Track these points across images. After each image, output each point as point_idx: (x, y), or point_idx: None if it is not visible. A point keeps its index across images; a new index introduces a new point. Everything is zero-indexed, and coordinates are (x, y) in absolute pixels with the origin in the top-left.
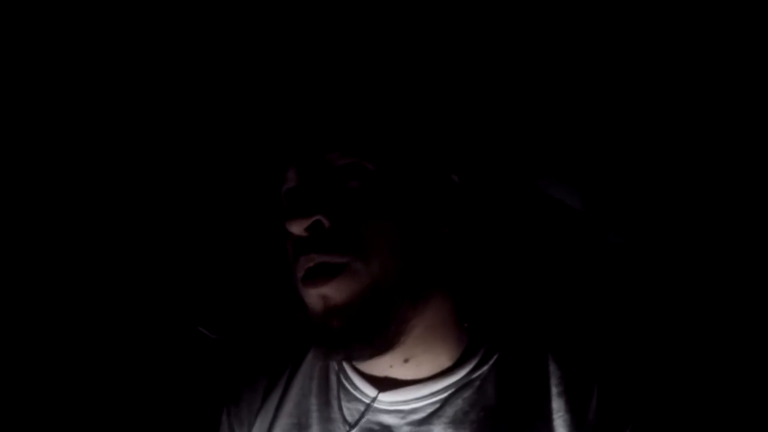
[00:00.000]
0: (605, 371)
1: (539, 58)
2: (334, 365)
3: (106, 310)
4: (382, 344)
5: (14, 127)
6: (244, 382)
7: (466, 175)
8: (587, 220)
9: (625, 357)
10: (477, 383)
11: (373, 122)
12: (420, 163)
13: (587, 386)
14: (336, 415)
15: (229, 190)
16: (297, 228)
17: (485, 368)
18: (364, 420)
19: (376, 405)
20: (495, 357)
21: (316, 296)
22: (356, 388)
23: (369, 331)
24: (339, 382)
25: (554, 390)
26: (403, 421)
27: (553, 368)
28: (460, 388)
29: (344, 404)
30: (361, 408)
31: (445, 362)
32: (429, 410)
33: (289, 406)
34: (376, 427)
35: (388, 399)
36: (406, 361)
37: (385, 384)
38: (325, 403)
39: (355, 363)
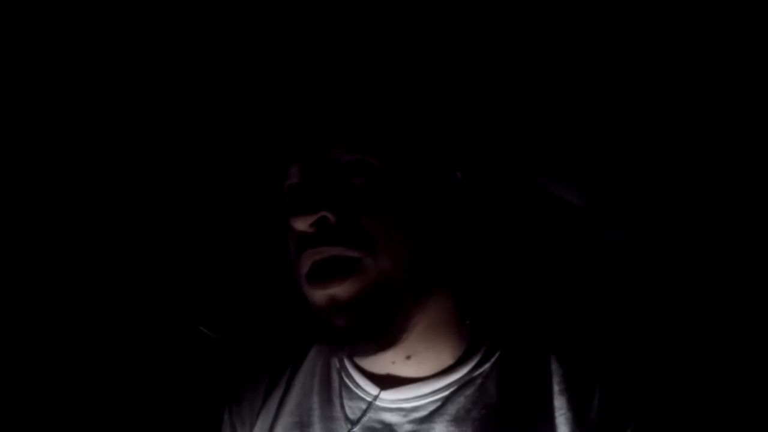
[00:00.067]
0: (607, 369)
1: (540, 56)
2: (335, 363)
3: (107, 311)
4: (386, 341)
5: (14, 127)
6: (246, 381)
7: (469, 172)
8: (588, 218)
9: (627, 355)
10: (479, 381)
11: (377, 118)
12: (424, 160)
13: (589, 384)
14: (338, 413)
15: (229, 190)
16: (302, 224)
17: (487, 366)
18: (366, 418)
19: (377, 403)
20: (497, 355)
21: (322, 294)
22: (358, 386)
23: (374, 328)
24: (341, 380)
25: (556, 388)
26: (404, 419)
27: (555, 366)
28: (461, 385)
29: (346, 402)
30: (363, 406)
31: (447, 360)
32: (431, 408)
33: (290, 405)
34: (378, 425)
35: (390, 397)
36: (408, 357)
37: (386, 382)
38: (327, 402)
39: (356, 360)
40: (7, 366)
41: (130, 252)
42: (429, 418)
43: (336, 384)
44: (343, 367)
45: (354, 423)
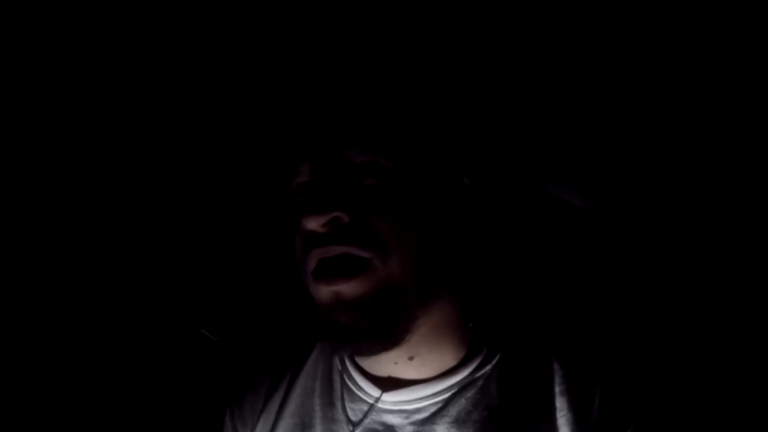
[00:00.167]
0: (608, 370)
1: (539, 58)
2: (337, 365)
3: (109, 313)
4: (391, 341)
5: (14, 127)
6: (247, 383)
7: (475, 177)
8: (588, 219)
9: (628, 356)
10: (480, 383)
11: (391, 121)
12: (434, 164)
13: (590, 385)
14: (339, 415)
15: (230, 192)
16: (315, 223)
17: (488, 368)
18: (367, 420)
19: (379, 405)
20: (498, 356)
21: (328, 292)
22: (360, 388)
23: (379, 328)
24: (342, 382)
25: (557, 389)
26: (406, 421)
27: (555, 367)
28: (463, 387)
29: (348, 404)
30: (365, 408)
31: (449, 362)
32: (432, 410)
33: (292, 407)
34: (380, 427)
35: (391, 399)
36: (411, 358)
37: (388, 384)
38: (329, 404)
39: (358, 362)
40: (7, 366)
41: (131, 254)
42: (430, 420)
43: (337, 386)
44: (345, 369)
45: (356, 425)
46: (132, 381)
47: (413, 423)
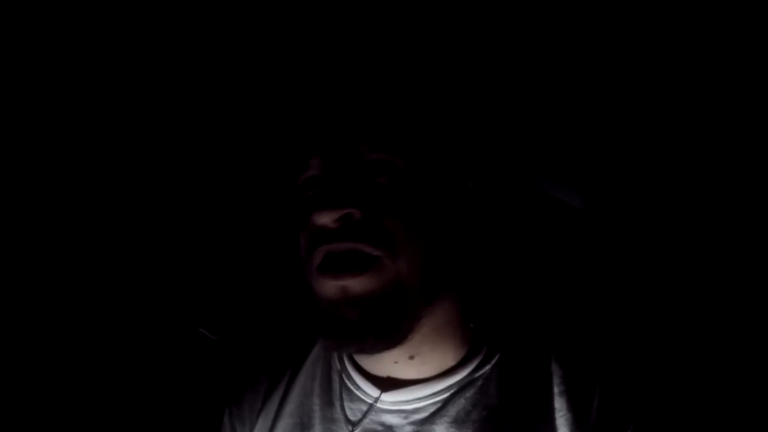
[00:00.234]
0: (607, 371)
1: (538, 58)
2: (336, 365)
3: (108, 312)
4: (395, 340)
5: (14, 127)
6: (246, 382)
7: (479, 179)
8: (587, 220)
9: (627, 357)
10: (479, 383)
11: (406, 121)
12: (444, 166)
13: (589, 386)
14: (338, 415)
15: (230, 191)
16: (327, 218)
17: (487, 368)
18: (366, 420)
19: (378, 405)
20: (497, 357)
21: (335, 286)
22: (359, 388)
23: (385, 326)
24: (341, 382)
25: (556, 389)
26: (405, 421)
27: (554, 368)
28: (462, 387)
29: (347, 404)
30: (364, 408)
31: (449, 361)
32: (431, 410)
33: (291, 407)
34: (379, 427)
35: (390, 399)
36: (411, 358)
37: (387, 383)
38: (328, 404)
39: (358, 360)
40: (7, 366)
41: (130, 254)
42: (429, 420)
43: (336, 386)
44: (344, 369)
45: (354, 425)
46: (131, 380)
47: (412, 423)
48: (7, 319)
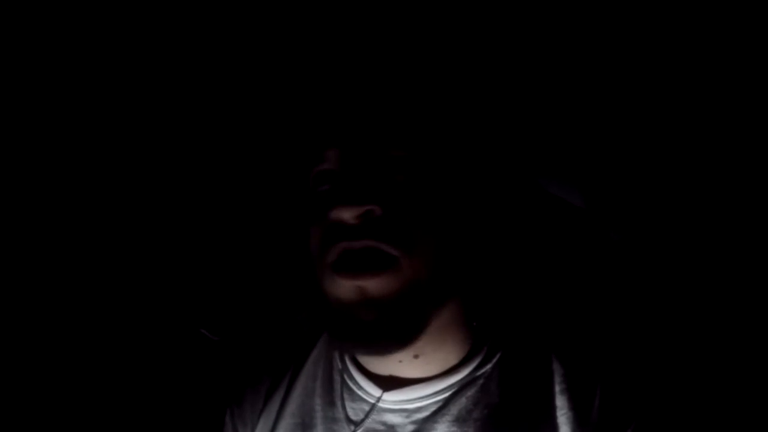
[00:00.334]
0: (608, 370)
1: (539, 56)
2: (337, 365)
3: (109, 313)
4: (408, 341)
5: (14, 127)
6: (247, 383)
7: (486, 178)
8: (588, 218)
9: (628, 355)
10: (481, 381)
11: (429, 119)
12: (459, 165)
13: (590, 384)
14: (340, 414)
15: (231, 191)
16: (348, 214)
17: (489, 366)
18: (368, 420)
19: (380, 404)
20: (498, 355)
21: (351, 286)
22: (360, 387)
23: (400, 329)
24: (343, 381)
25: (557, 388)
26: (407, 420)
27: (556, 366)
28: (464, 386)
29: (348, 404)
30: (366, 408)
31: (452, 360)
32: (433, 408)
33: (292, 407)
34: (381, 427)
35: (392, 398)
36: (416, 357)
37: (389, 383)
38: (330, 403)
39: (360, 359)
40: (7, 366)
41: (131, 254)
42: (431, 419)
43: (338, 385)
44: (345, 369)
45: (357, 424)
46: (132, 381)
47: (414, 422)
48: (7, 320)
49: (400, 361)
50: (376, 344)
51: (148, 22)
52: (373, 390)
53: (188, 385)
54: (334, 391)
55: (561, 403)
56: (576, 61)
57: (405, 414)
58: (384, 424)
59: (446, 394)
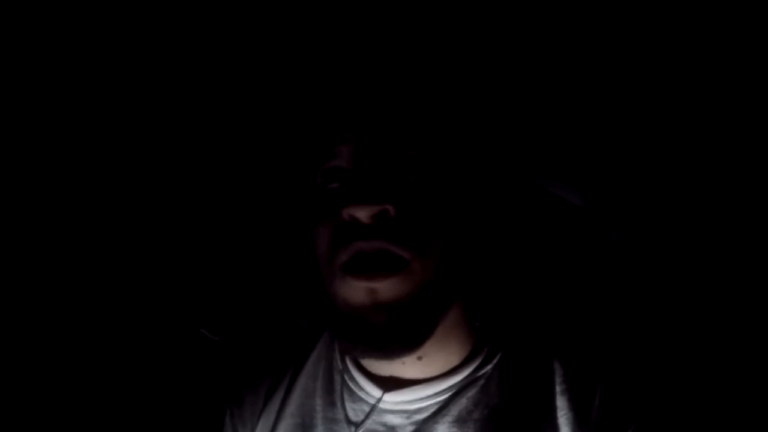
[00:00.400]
0: (608, 370)
1: (539, 56)
2: (337, 365)
3: (109, 313)
4: (417, 345)
5: (14, 127)
6: (247, 383)
7: (490, 179)
8: (589, 218)
9: (628, 356)
10: (481, 382)
11: (442, 120)
12: (468, 167)
13: (590, 385)
14: (340, 415)
15: (231, 191)
16: (364, 213)
17: (489, 367)
18: (369, 421)
19: (380, 405)
20: (498, 356)
21: (362, 289)
22: (361, 388)
23: (410, 332)
24: (343, 382)
25: (558, 388)
26: (407, 421)
27: (556, 367)
28: (464, 386)
29: (348, 404)
30: (366, 408)
31: (454, 361)
32: (433, 409)
33: (292, 407)
34: (381, 428)
35: (393, 399)
36: (419, 358)
37: (390, 383)
38: (330, 404)
39: (362, 361)
40: (7, 366)
41: (131, 254)
42: (431, 420)
43: (338, 386)
44: (346, 369)
45: (357, 425)
46: (132, 381)
47: (414, 423)
48: (7, 320)
49: (403, 363)
50: (386, 348)
51: (152, 16)
52: (373, 391)
53: (188, 385)
54: (334, 391)
55: (561, 403)
56: (576, 62)
57: (405, 415)
58: (384, 425)
59: (447, 395)
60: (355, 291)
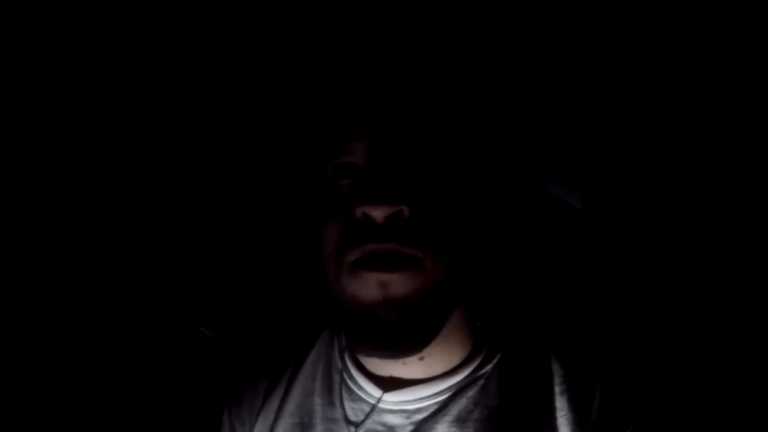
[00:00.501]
0: (607, 371)
1: (539, 57)
2: (337, 364)
3: (107, 311)
4: (424, 344)
5: (14, 127)
6: (245, 382)
7: (497, 180)
8: (588, 220)
9: (627, 357)
10: (481, 382)
11: (456, 121)
12: (478, 168)
13: (590, 386)
14: (339, 415)
15: (230, 190)
16: (379, 212)
17: (489, 367)
18: (368, 420)
19: (380, 405)
20: (498, 356)
21: (374, 282)
22: (360, 388)
23: (419, 331)
24: (342, 381)
25: (557, 389)
26: (407, 421)
27: (555, 367)
28: (464, 387)
29: (348, 404)
30: (366, 408)
31: (454, 362)
32: (433, 409)
33: (291, 406)
34: (380, 428)
35: (392, 399)
36: (421, 359)
37: (389, 383)
38: (329, 404)
39: (361, 359)
40: (7, 366)
41: (130, 252)
42: (431, 419)
43: (337, 385)
44: (345, 368)
45: (356, 425)
46: (130, 379)
47: (414, 423)
48: (7, 319)
49: (405, 363)
50: (395, 346)
51: (160, 13)
52: (373, 390)
53: (186, 383)
54: (333, 391)
55: (561, 404)
56: (576, 63)
57: (405, 415)
58: (384, 424)
59: (446, 395)
60: (367, 286)
